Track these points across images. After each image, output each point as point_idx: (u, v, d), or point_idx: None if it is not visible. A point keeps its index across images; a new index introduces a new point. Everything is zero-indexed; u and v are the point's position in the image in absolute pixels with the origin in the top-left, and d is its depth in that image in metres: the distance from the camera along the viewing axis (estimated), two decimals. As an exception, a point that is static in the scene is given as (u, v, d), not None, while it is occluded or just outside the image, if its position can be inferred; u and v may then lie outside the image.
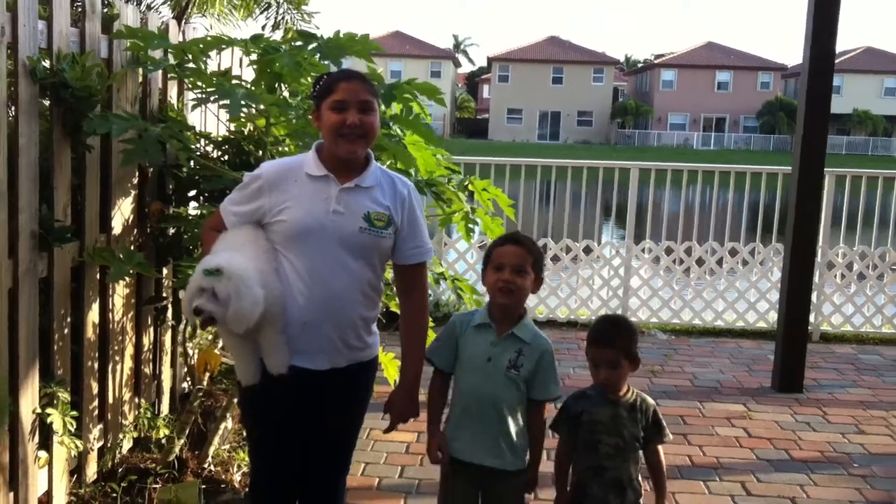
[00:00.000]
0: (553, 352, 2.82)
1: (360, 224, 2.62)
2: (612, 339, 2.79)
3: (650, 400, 2.87)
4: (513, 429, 2.77)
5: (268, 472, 2.82)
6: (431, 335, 3.03)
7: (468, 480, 2.80)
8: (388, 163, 3.98)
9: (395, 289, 3.10)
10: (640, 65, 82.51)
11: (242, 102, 3.40)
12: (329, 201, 2.61)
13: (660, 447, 2.88)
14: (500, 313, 2.78)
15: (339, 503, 2.93)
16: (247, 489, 3.39)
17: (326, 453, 2.84)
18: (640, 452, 2.84)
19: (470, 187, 4.50)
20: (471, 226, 4.44)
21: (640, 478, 2.84)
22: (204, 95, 3.58)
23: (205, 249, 2.78)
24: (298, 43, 3.74)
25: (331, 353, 2.66)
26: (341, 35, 3.73)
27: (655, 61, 70.85)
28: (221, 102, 3.47)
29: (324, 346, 2.64)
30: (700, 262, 7.40)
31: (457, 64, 75.22)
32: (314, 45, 3.71)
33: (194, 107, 4.15)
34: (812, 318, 6.64)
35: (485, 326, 2.77)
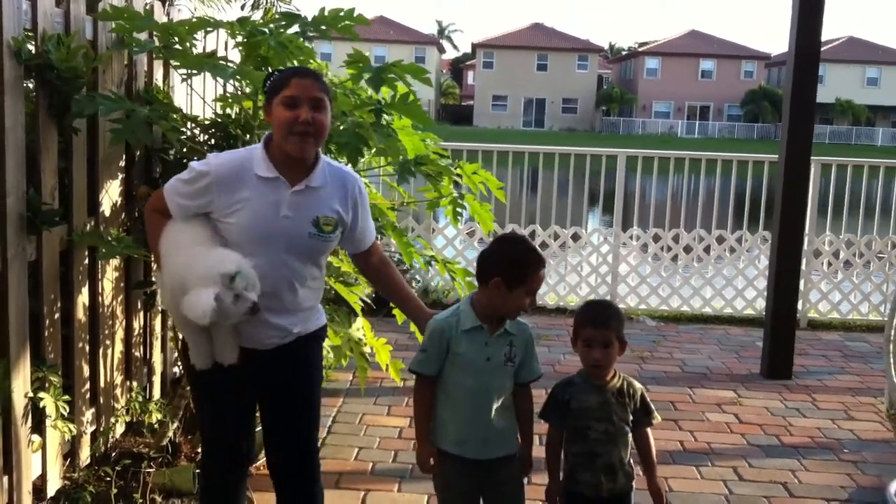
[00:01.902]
0: (532, 334, 2.85)
1: (309, 230, 2.64)
2: (607, 319, 2.80)
3: (637, 384, 2.88)
4: (508, 416, 2.79)
5: (218, 444, 2.87)
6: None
7: (470, 476, 2.79)
8: (374, 150, 3.94)
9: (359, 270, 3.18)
10: (624, 52, 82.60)
11: (237, 77, 3.37)
12: (279, 206, 2.60)
13: (649, 430, 2.89)
14: (491, 314, 2.75)
15: (316, 475, 2.93)
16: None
17: (284, 419, 2.84)
18: (630, 436, 2.84)
19: (458, 171, 4.46)
20: (458, 210, 4.41)
21: (631, 461, 2.84)
22: (194, 71, 3.54)
23: (150, 232, 2.77)
24: (283, 23, 3.69)
25: (274, 336, 2.72)
26: (326, 13, 3.70)
27: (639, 49, 70.94)
28: (214, 73, 3.46)
29: (268, 332, 2.70)
30: (688, 249, 7.41)
31: (441, 50, 74.99)
32: (298, 25, 3.67)
33: (183, 80, 4.09)
34: (799, 305, 6.67)
35: (476, 329, 2.74)
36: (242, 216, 2.59)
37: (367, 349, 4.23)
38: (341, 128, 3.54)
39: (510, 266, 2.70)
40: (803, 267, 6.57)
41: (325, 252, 2.77)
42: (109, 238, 3.55)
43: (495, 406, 2.74)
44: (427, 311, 2.96)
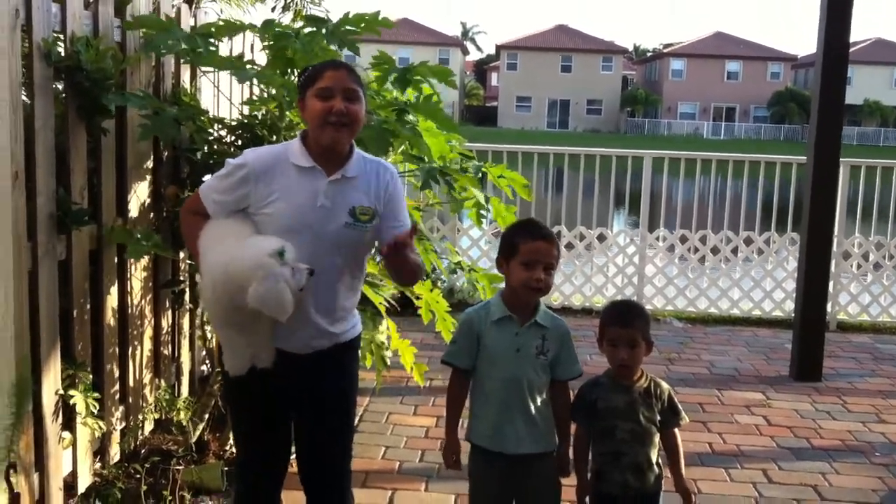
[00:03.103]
0: (570, 331, 2.83)
1: (346, 219, 2.62)
2: (632, 319, 2.80)
3: (664, 384, 2.86)
4: (544, 412, 2.78)
5: (253, 453, 2.85)
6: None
7: (499, 472, 2.78)
8: (400, 149, 3.95)
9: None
10: (648, 54, 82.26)
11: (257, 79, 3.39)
12: (316, 195, 2.60)
13: (676, 430, 2.87)
14: (520, 304, 2.75)
15: (347, 484, 2.90)
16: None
17: (319, 431, 2.80)
18: (658, 437, 2.82)
19: (486, 172, 4.46)
20: (482, 212, 4.40)
21: (659, 461, 2.83)
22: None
23: (187, 233, 2.77)
24: (309, 29, 3.70)
25: (312, 338, 2.68)
26: (350, 16, 3.71)
27: (664, 50, 70.60)
28: (236, 75, 3.48)
29: (305, 333, 2.66)
30: (715, 250, 7.35)
31: (465, 51, 75.01)
32: (324, 29, 3.68)
33: (211, 73, 4.10)
34: (829, 307, 6.59)
35: (506, 319, 2.74)
36: (280, 206, 2.59)
37: (388, 353, 4.23)
38: (371, 123, 3.55)
39: (503, 240, 2.78)
40: (832, 269, 6.51)
41: (361, 244, 2.71)
42: (138, 237, 3.57)
43: (529, 399, 2.73)
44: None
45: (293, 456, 2.91)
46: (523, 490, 2.80)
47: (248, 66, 3.75)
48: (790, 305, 6.87)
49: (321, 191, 2.60)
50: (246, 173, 2.61)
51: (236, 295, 2.46)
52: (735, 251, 7.36)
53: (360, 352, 4.01)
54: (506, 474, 2.77)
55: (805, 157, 5.90)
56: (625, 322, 2.79)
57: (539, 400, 2.76)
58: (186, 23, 4.11)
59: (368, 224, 2.66)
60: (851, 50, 5.87)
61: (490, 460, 2.78)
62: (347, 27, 3.72)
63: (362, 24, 3.73)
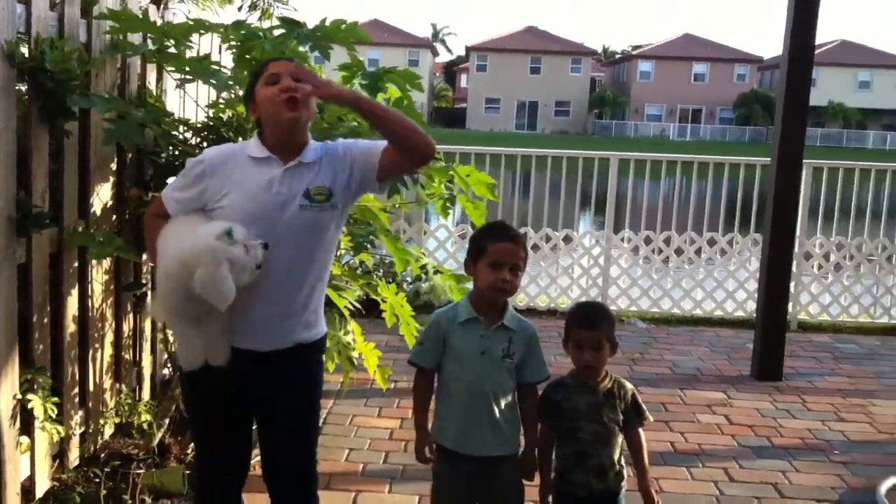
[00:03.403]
0: (537, 334, 2.84)
1: (301, 202, 2.60)
2: (598, 321, 2.82)
3: (628, 384, 2.89)
4: (509, 414, 2.79)
5: (210, 454, 2.84)
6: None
7: (466, 475, 2.79)
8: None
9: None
10: (617, 56, 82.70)
11: (230, 82, 3.37)
12: (272, 184, 2.59)
13: (640, 430, 2.90)
14: (487, 306, 2.77)
15: (313, 489, 2.88)
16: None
17: (283, 435, 2.77)
18: (621, 436, 2.85)
19: (452, 174, 4.46)
20: (448, 204, 4.42)
21: (622, 461, 2.85)
22: (188, 77, 3.54)
23: (148, 235, 2.77)
24: (282, 31, 3.69)
25: (273, 336, 2.66)
26: (327, 23, 3.70)
27: (633, 52, 71.06)
28: (208, 81, 3.45)
29: (267, 329, 2.64)
30: (679, 251, 7.42)
31: (435, 53, 75.04)
32: (298, 33, 3.67)
33: (177, 86, 4.09)
34: (790, 307, 6.68)
35: (472, 321, 2.76)
36: (234, 197, 2.59)
37: (354, 353, 4.23)
38: (340, 130, 3.55)
39: (471, 243, 2.82)
40: (794, 269, 6.59)
41: (322, 231, 2.66)
42: (100, 239, 3.54)
43: (493, 402, 2.75)
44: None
45: (256, 459, 2.90)
46: (489, 493, 2.81)
47: (216, 68, 3.73)
48: (752, 306, 6.95)
49: (276, 178, 2.59)
50: (203, 169, 2.64)
51: (187, 284, 2.45)
52: (699, 252, 7.43)
53: (328, 353, 4.04)
54: (472, 476, 2.78)
55: (769, 159, 5.97)
56: (591, 324, 2.81)
57: (503, 403, 2.78)
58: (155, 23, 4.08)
59: (324, 203, 2.62)
60: (816, 52, 5.96)
61: (456, 463, 2.79)
62: (320, 34, 3.70)
63: (338, 35, 3.71)
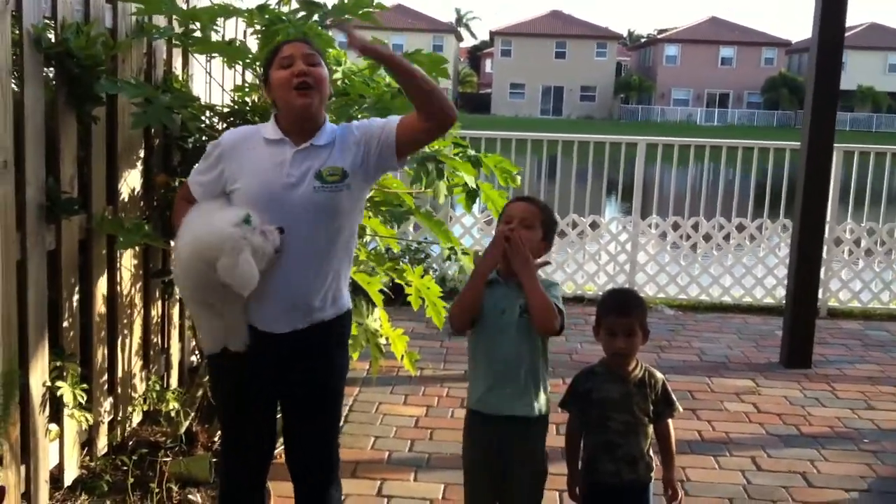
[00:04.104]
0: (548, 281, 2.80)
1: (314, 184, 2.59)
2: (631, 308, 2.80)
3: (658, 374, 2.86)
4: (534, 374, 2.75)
5: (234, 438, 2.84)
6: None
7: (492, 436, 2.76)
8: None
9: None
10: (643, 40, 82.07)
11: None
12: (283, 165, 2.59)
13: (670, 420, 2.87)
14: (504, 266, 2.75)
15: (335, 475, 2.88)
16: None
17: (306, 413, 2.78)
18: (651, 427, 2.82)
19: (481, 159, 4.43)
20: (469, 200, 4.39)
21: (651, 451, 2.83)
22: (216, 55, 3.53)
23: (176, 219, 2.77)
24: (302, 13, 3.67)
25: (292, 318, 2.65)
26: (346, 1, 3.68)
27: (658, 36, 70.48)
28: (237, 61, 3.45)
29: (285, 311, 2.63)
30: (707, 237, 7.36)
31: (459, 38, 74.79)
32: (318, 14, 3.65)
33: (208, 60, 4.06)
34: (820, 293, 6.60)
35: (494, 282, 2.75)
36: (246, 179, 2.60)
37: (382, 340, 4.22)
38: (364, 105, 3.54)
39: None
40: (824, 255, 6.52)
41: (337, 211, 2.64)
42: (128, 227, 3.55)
43: (516, 362, 2.72)
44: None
45: (280, 446, 2.91)
46: (510, 456, 2.77)
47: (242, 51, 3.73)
48: (781, 292, 6.88)
49: (287, 160, 2.59)
50: (220, 151, 2.67)
51: (205, 272, 2.45)
52: (727, 238, 7.36)
53: (356, 340, 4.03)
54: (496, 437, 2.76)
55: (798, 143, 5.88)
56: (624, 311, 2.78)
57: (527, 362, 2.74)
58: (181, 6, 4.07)
59: (338, 184, 2.61)
60: (846, 35, 5.85)
61: (478, 421, 2.79)
62: (343, 14, 3.68)
63: (359, 10, 3.69)
